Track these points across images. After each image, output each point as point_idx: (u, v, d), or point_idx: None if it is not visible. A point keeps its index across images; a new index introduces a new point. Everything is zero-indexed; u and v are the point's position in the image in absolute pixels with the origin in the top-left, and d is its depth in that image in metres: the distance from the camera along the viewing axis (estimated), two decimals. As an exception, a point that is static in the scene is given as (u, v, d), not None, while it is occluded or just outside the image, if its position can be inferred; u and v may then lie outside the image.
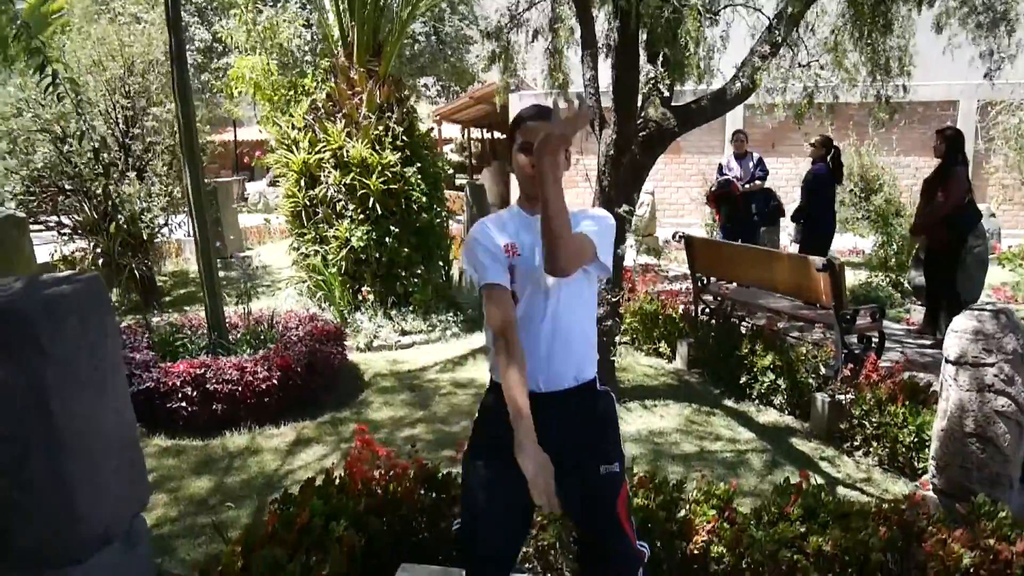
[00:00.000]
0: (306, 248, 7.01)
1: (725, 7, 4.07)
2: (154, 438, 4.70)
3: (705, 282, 6.26)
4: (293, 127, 7.04)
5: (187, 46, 15.20)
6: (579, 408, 2.13)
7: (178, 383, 4.71)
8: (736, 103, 4.82)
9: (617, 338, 5.05)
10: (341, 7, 6.94)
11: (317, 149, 6.85)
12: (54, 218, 8.02)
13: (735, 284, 6.24)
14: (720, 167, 8.48)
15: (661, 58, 4.60)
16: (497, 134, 20.84)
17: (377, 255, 6.82)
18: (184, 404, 4.72)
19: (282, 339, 5.54)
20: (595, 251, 2.03)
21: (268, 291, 8.79)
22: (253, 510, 3.80)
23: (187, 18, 15.31)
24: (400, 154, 6.91)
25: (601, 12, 5.20)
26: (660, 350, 6.28)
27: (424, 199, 6.97)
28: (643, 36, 5.11)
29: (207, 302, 5.38)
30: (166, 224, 8.40)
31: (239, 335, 5.65)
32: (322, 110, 7.00)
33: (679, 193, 14.23)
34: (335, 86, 6.97)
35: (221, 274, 10.23)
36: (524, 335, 2.06)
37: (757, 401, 5.18)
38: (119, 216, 7.68)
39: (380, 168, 6.71)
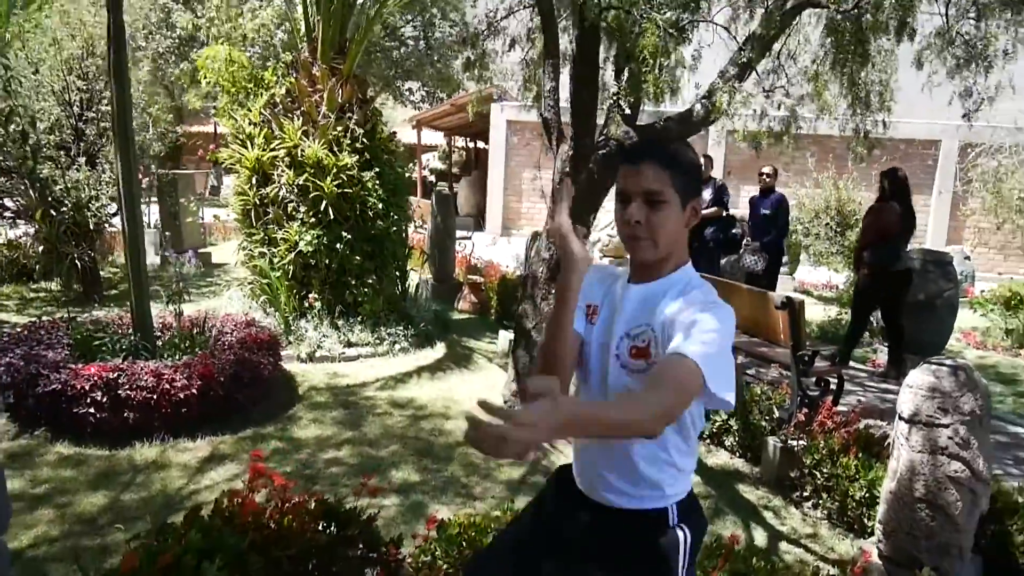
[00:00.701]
0: (253, 249, 6.68)
1: (689, 22, 3.82)
2: (56, 445, 4.35)
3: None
4: (250, 122, 6.73)
5: (169, 33, 14.86)
6: (618, 531, 1.67)
7: (88, 387, 4.37)
8: (702, 125, 4.58)
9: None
10: (308, 2, 6.66)
11: (272, 147, 6.55)
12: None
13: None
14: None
15: (626, 74, 4.36)
16: (481, 144, 20.60)
17: (327, 261, 6.51)
18: (93, 410, 4.37)
19: (212, 345, 5.22)
20: (701, 383, 1.42)
21: (219, 290, 8.45)
22: (143, 533, 3.47)
23: (171, 4, 14.97)
24: (359, 157, 6.62)
25: (569, 22, 4.97)
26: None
27: (381, 206, 6.68)
28: (612, 51, 4.89)
29: (132, 301, 5.06)
30: (116, 214, 8.04)
31: (168, 338, 5.34)
32: (280, 106, 6.70)
33: (656, 215, 14.05)
34: (295, 82, 6.68)
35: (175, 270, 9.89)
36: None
37: (708, 440, 4.92)
38: (65, 203, 7.33)
39: (336, 170, 6.42)
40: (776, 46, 5.11)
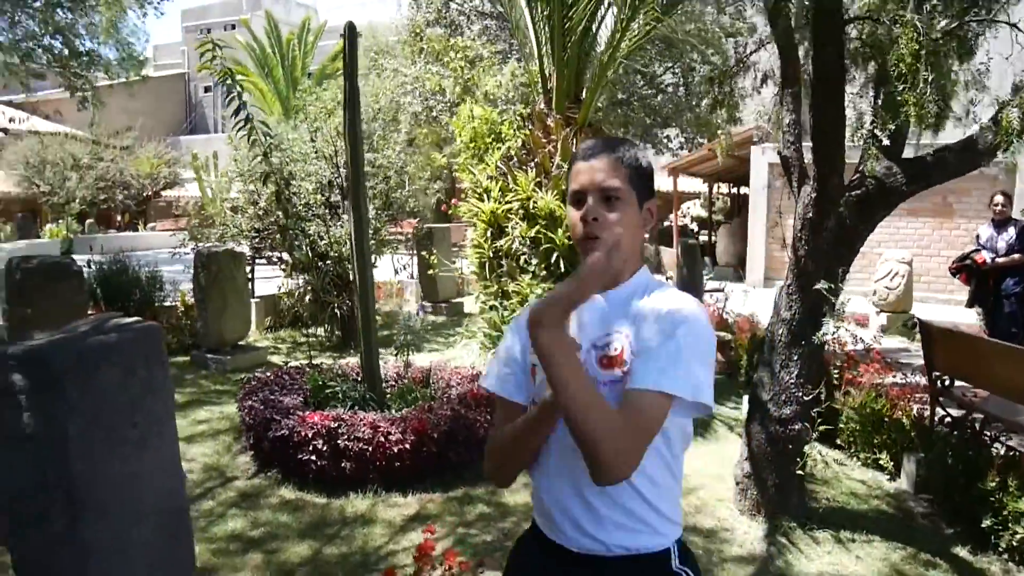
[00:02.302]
0: (487, 302, 6.68)
1: (965, 22, 3.03)
2: (282, 488, 4.54)
3: (947, 384, 4.91)
4: (487, 176, 6.81)
5: (440, 97, 16.03)
6: None
7: (311, 434, 4.51)
8: (991, 155, 3.66)
9: (808, 447, 4.02)
10: (543, 51, 6.62)
11: (507, 199, 6.54)
12: (277, 254, 8.55)
13: (989, 392, 4.81)
14: (977, 237, 6.93)
15: (882, 97, 3.64)
16: (744, 189, 19.55)
17: (557, 314, 6.29)
18: (314, 457, 4.51)
19: (437, 398, 5.20)
20: (667, 406, 1.36)
21: (463, 340, 8.64)
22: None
23: (443, 71, 16.16)
24: (592, 207, 6.37)
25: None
26: (880, 462, 5.02)
27: (614, 257, 6.33)
28: (867, 72, 4.17)
29: (362, 352, 5.21)
30: (374, 266, 8.61)
31: (397, 388, 5.43)
32: (515, 159, 6.70)
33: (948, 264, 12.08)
34: (530, 133, 6.64)
35: (431, 319, 10.36)
36: (551, 468, 1.50)
37: (1006, 557, 3.83)
38: (329, 256, 7.97)
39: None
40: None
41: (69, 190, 21.78)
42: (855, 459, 5.19)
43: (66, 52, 12.05)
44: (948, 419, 4.88)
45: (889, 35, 3.00)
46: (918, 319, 4.87)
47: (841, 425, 5.35)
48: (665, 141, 18.13)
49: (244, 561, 3.68)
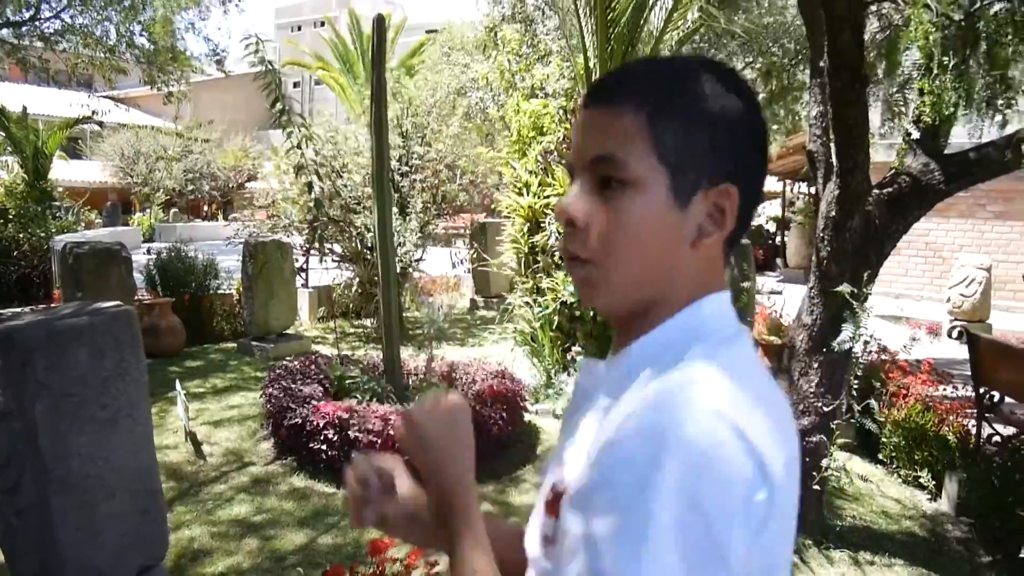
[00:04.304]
0: (523, 298, 6.61)
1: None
2: (294, 476, 4.58)
3: (995, 400, 4.54)
4: (527, 170, 6.73)
5: (503, 95, 16.04)
6: None
7: (322, 424, 4.55)
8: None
9: (826, 461, 3.79)
10: (588, 43, 6.48)
11: (545, 194, 6.45)
12: (328, 246, 8.69)
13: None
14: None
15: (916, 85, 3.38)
16: (823, 191, 18.79)
17: (592, 313, 6.16)
18: (325, 447, 4.54)
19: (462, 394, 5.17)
20: None
21: (506, 336, 8.59)
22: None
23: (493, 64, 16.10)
24: (631, 204, 6.20)
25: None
26: (921, 480, 4.70)
27: (652, 255, 6.15)
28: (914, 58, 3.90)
29: (384, 344, 5.22)
30: (421, 259, 8.65)
31: (419, 383, 5.42)
32: (555, 153, 6.59)
33: (1036, 273, 11.24)
34: (570, 127, 6.53)
35: (482, 313, 10.36)
36: None
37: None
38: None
39: (604, 218, 6.07)
40: None
41: (157, 180, 22.87)
42: (895, 476, 4.88)
43: (151, 48, 12.60)
44: (997, 437, 4.52)
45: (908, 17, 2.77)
46: (964, 329, 4.52)
47: (883, 439, 5.05)
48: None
49: (240, 545, 3.73)
